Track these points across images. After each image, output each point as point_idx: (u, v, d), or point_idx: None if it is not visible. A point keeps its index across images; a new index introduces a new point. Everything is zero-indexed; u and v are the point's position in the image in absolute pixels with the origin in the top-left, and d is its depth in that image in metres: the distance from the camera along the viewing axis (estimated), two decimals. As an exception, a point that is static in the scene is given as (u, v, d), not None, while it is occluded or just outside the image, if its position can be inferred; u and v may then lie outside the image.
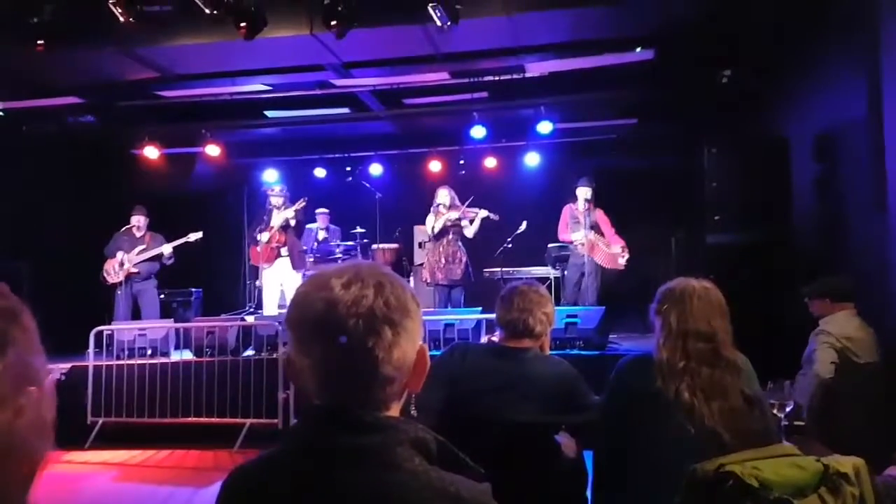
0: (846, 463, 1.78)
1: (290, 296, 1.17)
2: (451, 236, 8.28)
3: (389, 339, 1.12)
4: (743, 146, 6.49)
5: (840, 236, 5.94)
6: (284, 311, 1.39)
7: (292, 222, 8.66)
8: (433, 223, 8.29)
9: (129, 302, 8.52)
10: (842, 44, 5.71)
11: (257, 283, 9.03)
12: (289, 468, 1.14)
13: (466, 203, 8.31)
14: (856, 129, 5.38)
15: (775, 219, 6.21)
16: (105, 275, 8.45)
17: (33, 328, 0.70)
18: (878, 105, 4.94)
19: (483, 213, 8.20)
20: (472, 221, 8.26)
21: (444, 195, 8.32)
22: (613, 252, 7.83)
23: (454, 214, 8.20)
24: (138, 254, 8.43)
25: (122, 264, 8.38)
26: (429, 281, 8.37)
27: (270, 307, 8.60)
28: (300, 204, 8.71)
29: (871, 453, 1.92)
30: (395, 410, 1.18)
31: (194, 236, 8.51)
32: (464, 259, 8.28)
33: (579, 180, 8.08)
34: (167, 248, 8.50)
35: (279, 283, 8.72)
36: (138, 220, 8.55)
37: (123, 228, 8.58)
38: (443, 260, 8.23)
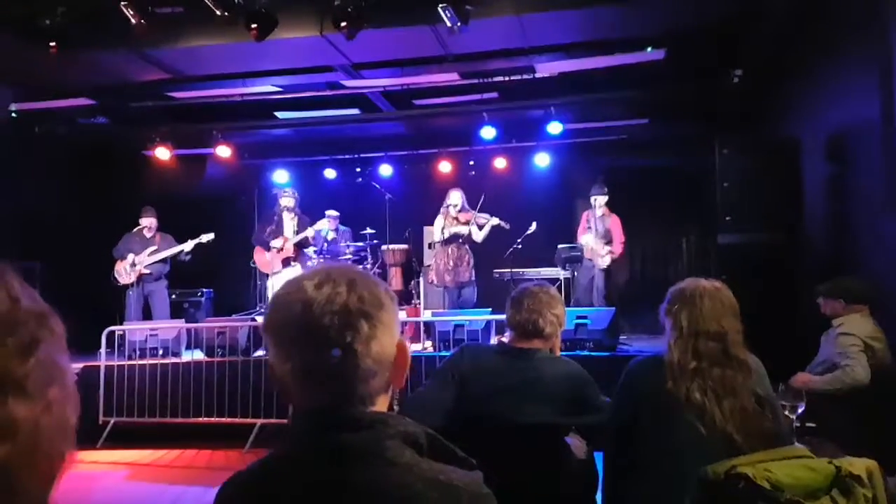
0: (859, 465, 1.77)
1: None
2: (459, 240, 8.25)
3: (367, 332, 1.14)
4: (754, 147, 6.47)
5: (851, 237, 5.91)
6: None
7: (311, 237, 8.67)
8: (441, 225, 8.26)
9: (141, 302, 8.55)
10: (854, 44, 5.67)
11: (268, 282, 9.04)
12: (283, 471, 1.15)
13: (478, 206, 8.27)
14: (868, 129, 5.34)
15: (787, 219, 6.18)
16: (116, 276, 8.47)
17: (61, 332, 0.71)
18: (890, 105, 4.90)
19: (494, 220, 8.10)
20: (481, 227, 8.18)
21: (455, 196, 8.26)
22: (598, 250, 8.00)
23: (464, 229, 8.15)
24: (149, 255, 8.46)
25: (133, 265, 8.41)
26: (436, 283, 8.34)
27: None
28: (323, 223, 8.79)
29: (884, 455, 1.91)
30: (381, 406, 1.19)
31: (206, 237, 8.53)
32: (471, 262, 8.26)
33: (592, 188, 8.10)
34: (188, 245, 8.51)
35: None
36: (148, 222, 8.58)
37: (134, 230, 8.62)
38: (451, 263, 8.18)
